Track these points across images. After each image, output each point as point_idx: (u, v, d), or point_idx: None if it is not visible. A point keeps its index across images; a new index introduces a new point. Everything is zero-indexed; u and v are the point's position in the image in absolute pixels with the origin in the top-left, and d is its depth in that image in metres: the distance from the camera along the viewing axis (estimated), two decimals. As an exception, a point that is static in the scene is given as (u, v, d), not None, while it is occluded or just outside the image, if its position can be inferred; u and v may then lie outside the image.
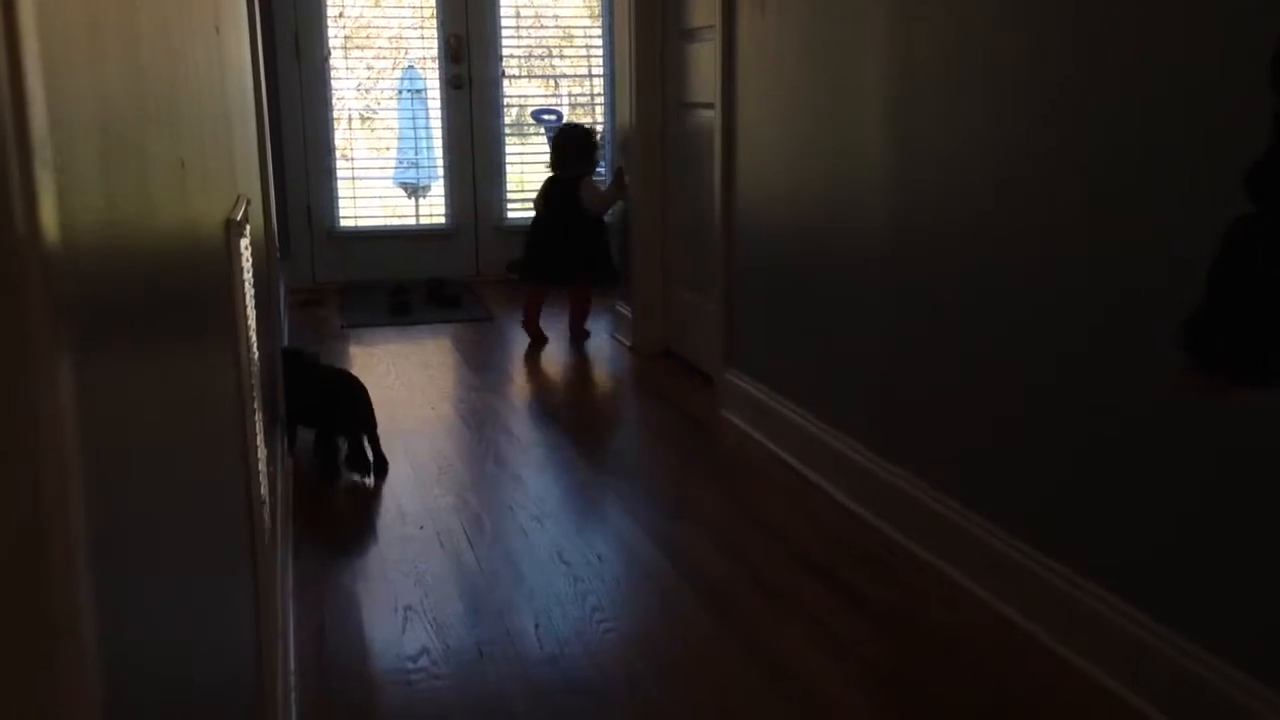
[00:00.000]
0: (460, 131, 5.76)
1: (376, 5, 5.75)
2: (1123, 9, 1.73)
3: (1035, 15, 1.93)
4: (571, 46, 6.12)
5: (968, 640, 1.97)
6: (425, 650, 1.95)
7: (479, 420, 3.38)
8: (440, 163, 5.82)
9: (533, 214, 4.65)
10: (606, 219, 4.43)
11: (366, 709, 1.78)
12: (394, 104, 5.89)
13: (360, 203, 5.77)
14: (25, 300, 0.32)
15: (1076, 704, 1.77)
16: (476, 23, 5.72)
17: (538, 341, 4.40)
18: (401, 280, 5.39)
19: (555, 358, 4.29)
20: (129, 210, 0.61)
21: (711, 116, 3.40)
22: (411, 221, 5.90)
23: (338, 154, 5.67)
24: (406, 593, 2.18)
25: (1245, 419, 1.53)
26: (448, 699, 1.80)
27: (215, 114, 1.35)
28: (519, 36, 5.94)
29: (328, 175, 5.63)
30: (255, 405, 1.49)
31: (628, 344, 4.29)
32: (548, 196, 4.45)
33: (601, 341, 4.46)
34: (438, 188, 5.87)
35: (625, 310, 4.33)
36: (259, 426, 1.54)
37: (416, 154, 5.87)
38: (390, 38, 5.82)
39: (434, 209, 5.88)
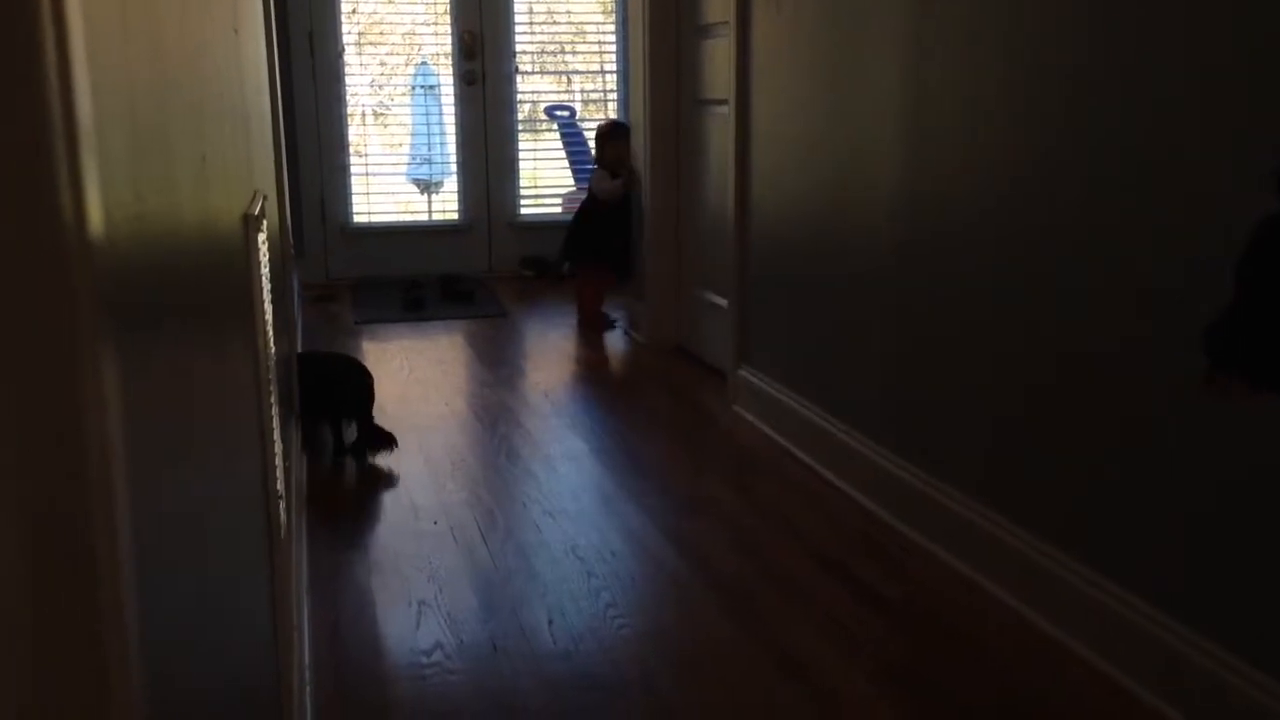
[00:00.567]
0: (473, 127, 5.76)
1: (390, 1, 5.75)
2: (1137, 5, 1.72)
3: (1050, 11, 1.92)
4: (584, 42, 6.12)
5: (982, 639, 1.97)
6: (439, 645, 1.95)
7: (492, 416, 3.39)
8: (453, 158, 5.82)
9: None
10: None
11: (380, 703, 1.79)
12: (407, 100, 5.89)
13: (374, 199, 5.77)
14: (70, 289, 0.32)
15: (1093, 704, 1.76)
16: (490, 18, 5.72)
17: (600, 329, 4.52)
18: (415, 276, 5.40)
19: (568, 353, 4.30)
20: (155, 204, 0.61)
21: (725, 113, 3.40)
22: (425, 217, 5.90)
23: (351, 150, 5.67)
24: (420, 587, 2.18)
25: (1274, 422, 1.52)
26: (461, 694, 1.81)
27: (234, 112, 1.36)
28: (532, 32, 5.94)
29: (341, 171, 5.64)
30: (272, 399, 1.50)
31: (640, 339, 4.30)
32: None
33: (614, 337, 4.46)
34: (451, 183, 5.87)
35: (638, 306, 4.34)
36: (275, 420, 1.54)
37: (430, 150, 5.88)
38: (403, 34, 5.82)
39: (447, 205, 5.88)
